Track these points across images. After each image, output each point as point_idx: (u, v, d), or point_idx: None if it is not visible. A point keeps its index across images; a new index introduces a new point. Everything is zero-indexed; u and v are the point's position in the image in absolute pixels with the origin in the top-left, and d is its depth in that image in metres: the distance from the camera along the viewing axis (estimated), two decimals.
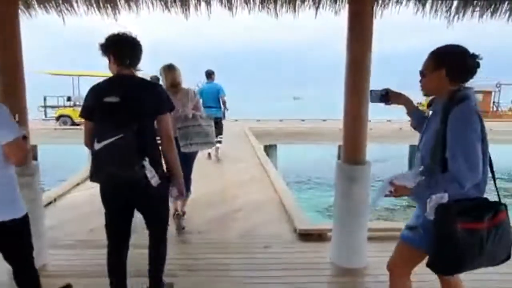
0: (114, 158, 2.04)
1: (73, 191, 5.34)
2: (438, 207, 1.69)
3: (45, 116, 17.42)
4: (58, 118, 15.71)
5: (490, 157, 1.79)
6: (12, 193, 1.98)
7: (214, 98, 7.30)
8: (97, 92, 2.21)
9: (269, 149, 13.23)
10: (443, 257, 1.71)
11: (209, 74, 7.34)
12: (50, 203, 4.65)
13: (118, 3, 3.50)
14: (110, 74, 2.31)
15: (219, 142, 7.79)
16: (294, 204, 4.74)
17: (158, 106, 2.23)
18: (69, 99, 16.26)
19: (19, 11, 3.43)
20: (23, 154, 1.97)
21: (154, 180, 2.15)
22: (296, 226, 3.88)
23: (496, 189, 1.81)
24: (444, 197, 1.70)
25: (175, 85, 3.84)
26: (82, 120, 2.29)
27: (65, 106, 16.59)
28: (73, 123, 14.80)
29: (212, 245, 3.57)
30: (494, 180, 1.82)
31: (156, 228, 2.41)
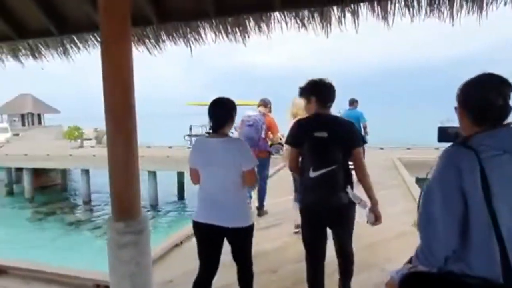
0: (326, 185, 2.44)
1: None
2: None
3: (190, 144, 18.02)
4: None
5: (499, 228, 1.27)
6: (245, 207, 2.57)
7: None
8: (306, 127, 2.61)
9: (423, 183, 11.31)
10: None
11: (352, 102, 7.98)
12: (176, 245, 4.37)
13: (248, 26, 3.03)
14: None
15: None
16: None
17: (353, 142, 2.58)
18: None
19: (150, 46, 3.32)
20: (255, 180, 2.52)
21: (362, 203, 2.54)
22: None
23: (507, 272, 1.25)
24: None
25: (294, 115, 4.40)
26: None
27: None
28: None
29: None
30: (508, 263, 1.26)
31: (344, 246, 2.74)
